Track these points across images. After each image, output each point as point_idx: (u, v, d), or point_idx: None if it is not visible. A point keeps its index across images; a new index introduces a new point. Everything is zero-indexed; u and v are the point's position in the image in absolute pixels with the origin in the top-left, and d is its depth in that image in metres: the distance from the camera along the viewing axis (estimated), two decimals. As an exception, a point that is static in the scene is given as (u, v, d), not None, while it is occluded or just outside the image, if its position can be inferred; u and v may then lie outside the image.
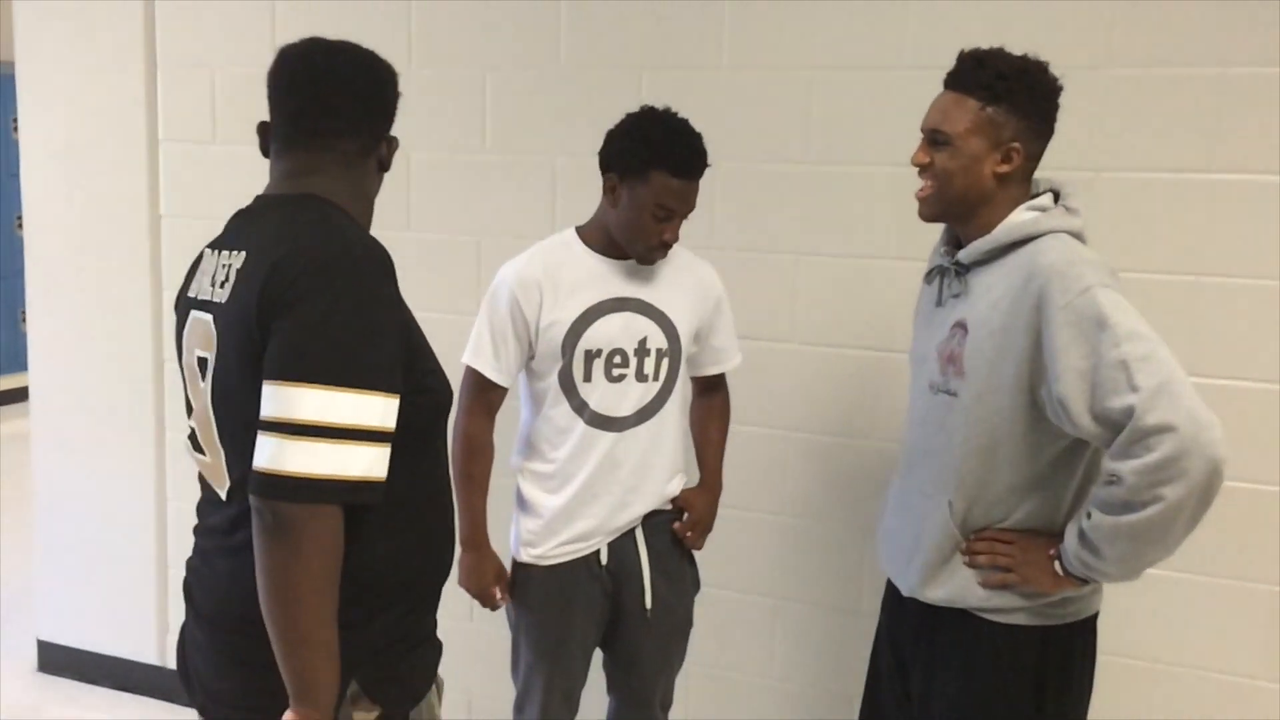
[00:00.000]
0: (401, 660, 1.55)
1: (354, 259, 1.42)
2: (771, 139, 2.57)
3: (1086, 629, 1.83)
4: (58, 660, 3.52)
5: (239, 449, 1.45)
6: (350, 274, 1.40)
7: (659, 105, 2.11)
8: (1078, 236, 1.75)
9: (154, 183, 3.18)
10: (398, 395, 1.40)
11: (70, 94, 3.23)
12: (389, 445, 1.38)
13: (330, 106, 1.53)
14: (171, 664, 3.38)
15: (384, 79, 1.60)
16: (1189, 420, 1.53)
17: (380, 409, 1.37)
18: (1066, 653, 1.79)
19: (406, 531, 1.49)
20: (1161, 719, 2.42)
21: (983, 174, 1.75)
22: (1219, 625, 2.37)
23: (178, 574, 3.29)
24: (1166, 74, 2.26)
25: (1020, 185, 1.79)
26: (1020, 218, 1.76)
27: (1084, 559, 1.66)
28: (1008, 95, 1.73)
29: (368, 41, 1.62)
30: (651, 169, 2.02)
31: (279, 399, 1.34)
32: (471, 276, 2.82)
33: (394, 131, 1.63)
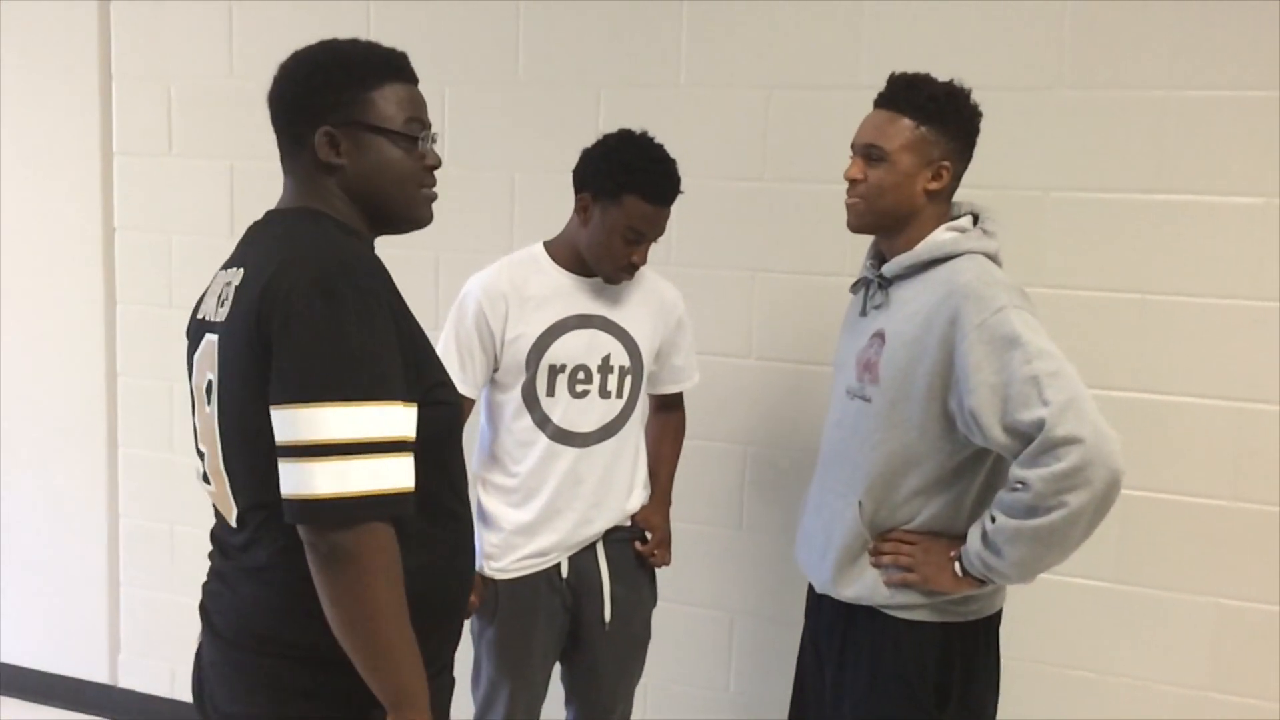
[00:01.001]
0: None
1: (345, 270, 1.37)
2: (728, 157, 2.60)
3: (989, 627, 1.91)
4: (6, 679, 3.45)
5: (244, 473, 1.42)
6: (345, 286, 1.34)
7: (636, 129, 2.12)
8: (993, 258, 1.84)
9: (108, 195, 3.14)
10: (414, 404, 1.36)
11: (22, 104, 3.19)
12: (412, 455, 1.35)
13: (286, 121, 1.52)
14: (122, 683, 3.36)
15: (304, 75, 1.50)
16: (1094, 433, 1.62)
17: (402, 418, 1.33)
18: (969, 649, 1.87)
19: (428, 550, 1.44)
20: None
21: (914, 190, 1.84)
22: (1150, 635, 2.42)
23: (130, 592, 3.31)
24: (1115, 96, 2.32)
25: (944, 204, 1.89)
26: (941, 237, 1.85)
27: (985, 560, 1.73)
28: (939, 116, 1.83)
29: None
30: (625, 193, 2.04)
31: (297, 422, 1.28)
32: (429, 291, 2.82)
33: None
